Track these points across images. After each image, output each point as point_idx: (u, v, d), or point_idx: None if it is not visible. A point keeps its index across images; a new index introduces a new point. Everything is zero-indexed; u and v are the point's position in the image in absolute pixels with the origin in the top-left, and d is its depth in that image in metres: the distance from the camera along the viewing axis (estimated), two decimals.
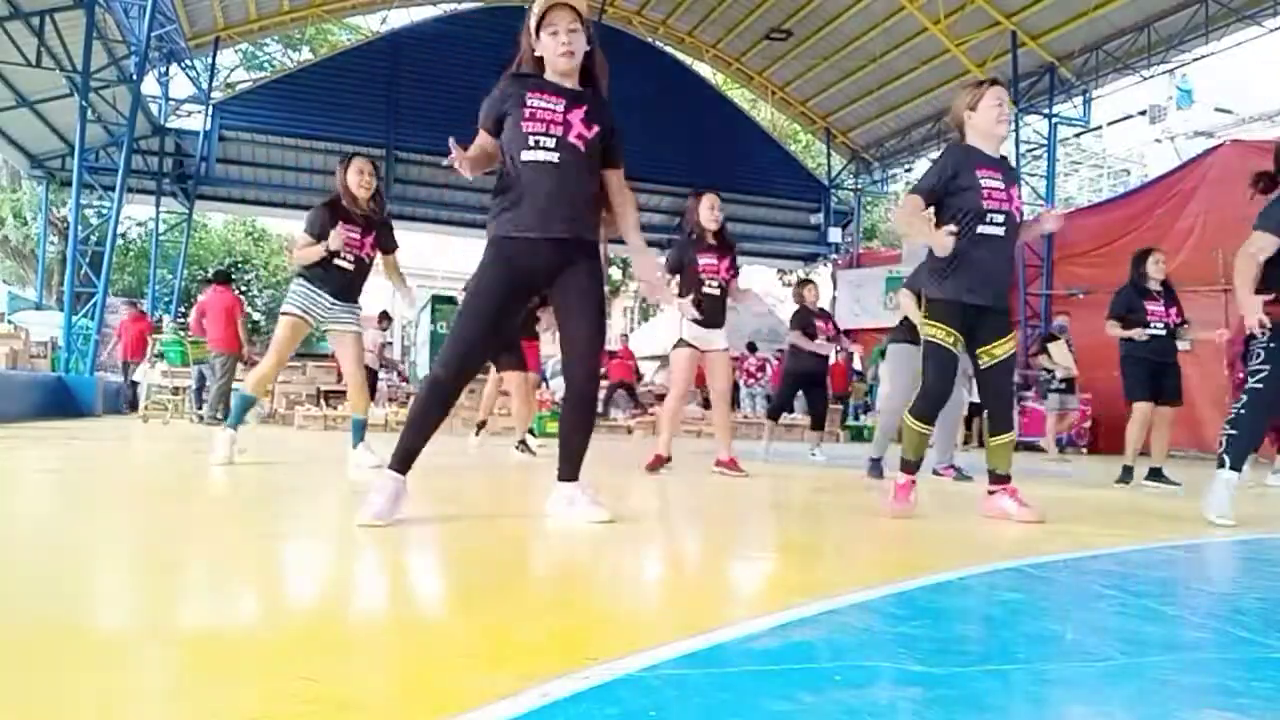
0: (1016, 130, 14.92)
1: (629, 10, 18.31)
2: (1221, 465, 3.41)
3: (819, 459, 7.46)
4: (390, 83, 16.44)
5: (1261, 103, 24.12)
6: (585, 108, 2.61)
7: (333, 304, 4.47)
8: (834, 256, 19.67)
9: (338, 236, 4.32)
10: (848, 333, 18.37)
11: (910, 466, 3.26)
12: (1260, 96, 24.80)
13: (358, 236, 4.42)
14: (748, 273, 26.89)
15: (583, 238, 2.64)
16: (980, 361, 3.19)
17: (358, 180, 4.43)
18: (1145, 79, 14.40)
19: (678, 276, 4.95)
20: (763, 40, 17.57)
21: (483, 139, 2.64)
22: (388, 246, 4.59)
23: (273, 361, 4.48)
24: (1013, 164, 3.43)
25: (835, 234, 19.43)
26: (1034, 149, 15.25)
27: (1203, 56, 13.66)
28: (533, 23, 2.61)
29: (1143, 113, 22.30)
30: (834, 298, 18.33)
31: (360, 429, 4.64)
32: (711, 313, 4.91)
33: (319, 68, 17.13)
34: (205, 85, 16.35)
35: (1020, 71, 14.48)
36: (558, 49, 2.58)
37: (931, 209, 3.20)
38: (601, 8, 17.36)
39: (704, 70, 19.73)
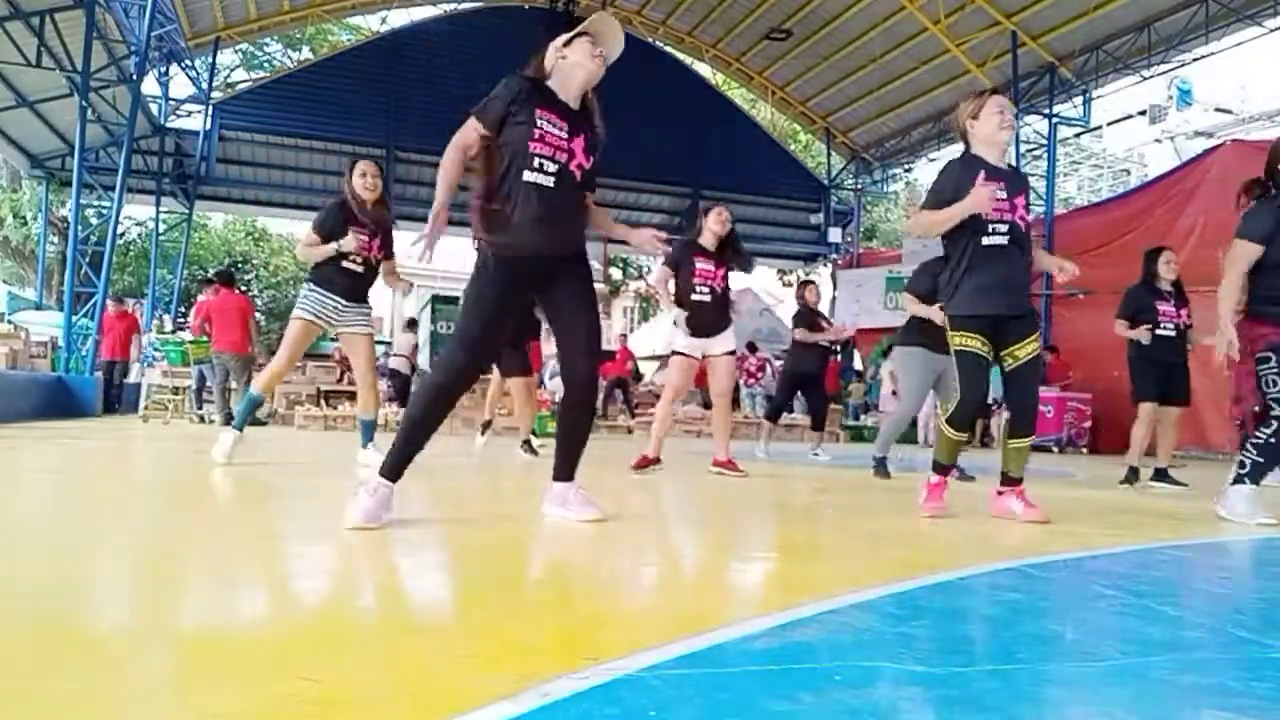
0: (1016, 130, 14.91)
1: (629, 10, 18.30)
2: (1240, 481, 3.45)
3: (821, 458, 7.48)
4: (390, 83, 16.44)
5: (1261, 103, 24.10)
6: (585, 137, 2.64)
7: (343, 307, 4.49)
8: (834, 256, 19.66)
9: (354, 239, 4.36)
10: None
11: (943, 469, 3.34)
12: (1260, 96, 24.77)
13: (366, 239, 4.44)
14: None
15: (576, 250, 2.70)
16: (1005, 364, 3.22)
17: (362, 184, 4.44)
18: (1145, 79, 14.40)
19: (674, 276, 4.98)
20: (763, 40, 17.56)
21: (469, 136, 2.58)
22: (389, 253, 4.65)
23: (284, 361, 4.51)
24: (1020, 171, 3.42)
25: (835, 234, 19.43)
26: (1034, 149, 15.25)
27: (1203, 56, 13.66)
28: (566, 36, 2.66)
29: (1143, 113, 22.28)
30: (834, 297, 18.31)
31: (369, 429, 4.71)
32: (706, 320, 4.90)
33: (319, 68, 17.12)
34: (205, 85, 16.34)
35: (1020, 71, 14.48)
36: (592, 52, 2.63)
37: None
38: (601, 8, 17.35)
39: (704, 70, 19.72)
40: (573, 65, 2.65)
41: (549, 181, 2.56)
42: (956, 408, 3.25)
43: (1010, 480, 3.32)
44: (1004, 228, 3.10)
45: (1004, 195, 3.11)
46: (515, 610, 1.64)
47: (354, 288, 4.51)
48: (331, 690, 1.08)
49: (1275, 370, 3.45)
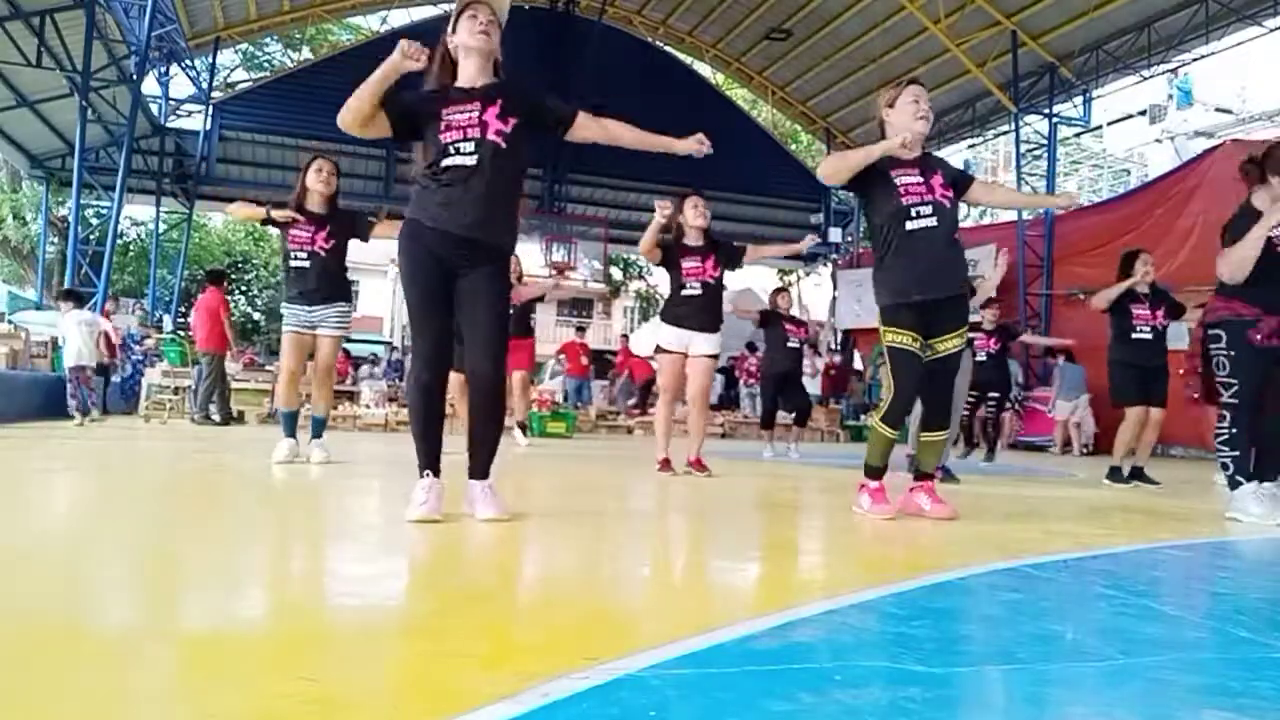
0: (1016, 130, 14.94)
1: (629, 10, 18.30)
2: (1237, 485, 3.43)
3: (794, 456, 7.61)
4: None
5: (1261, 103, 24.03)
6: (499, 102, 2.63)
7: (311, 310, 4.49)
8: (834, 256, 19.67)
9: (283, 212, 4.39)
10: (848, 333, 18.45)
11: (876, 473, 3.16)
12: (1260, 96, 24.69)
13: (308, 234, 4.41)
14: (748, 273, 26.98)
15: (490, 241, 2.65)
16: (925, 354, 3.11)
17: (316, 178, 4.48)
18: (1145, 79, 14.40)
19: (665, 268, 4.95)
20: (763, 40, 17.57)
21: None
22: (362, 234, 4.57)
23: (284, 373, 4.61)
24: (931, 154, 3.32)
25: (835, 234, 19.43)
26: (1034, 149, 15.26)
27: (1203, 56, 13.68)
28: (451, 25, 2.69)
29: (1143, 113, 22.27)
30: (834, 297, 18.33)
31: (318, 425, 4.73)
32: (694, 312, 4.81)
33: (319, 68, 17.11)
34: (205, 85, 16.35)
35: (1020, 71, 14.48)
36: (475, 28, 2.63)
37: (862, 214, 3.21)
38: (602, 8, 17.34)
39: (704, 70, 19.72)
40: (464, 52, 2.67)
41: (469, 160, 2.58)
42: (889, 406, 3.10)
43: (923, 475, 3.23)
44: (928, 209, 3.03)
45: (919, 179, 3.06)
46: (515, 610, 1.64)
47: (313, 284, 4.46)
48: (331, 690, 1.08)
49: (1224, 352, 3.41)
